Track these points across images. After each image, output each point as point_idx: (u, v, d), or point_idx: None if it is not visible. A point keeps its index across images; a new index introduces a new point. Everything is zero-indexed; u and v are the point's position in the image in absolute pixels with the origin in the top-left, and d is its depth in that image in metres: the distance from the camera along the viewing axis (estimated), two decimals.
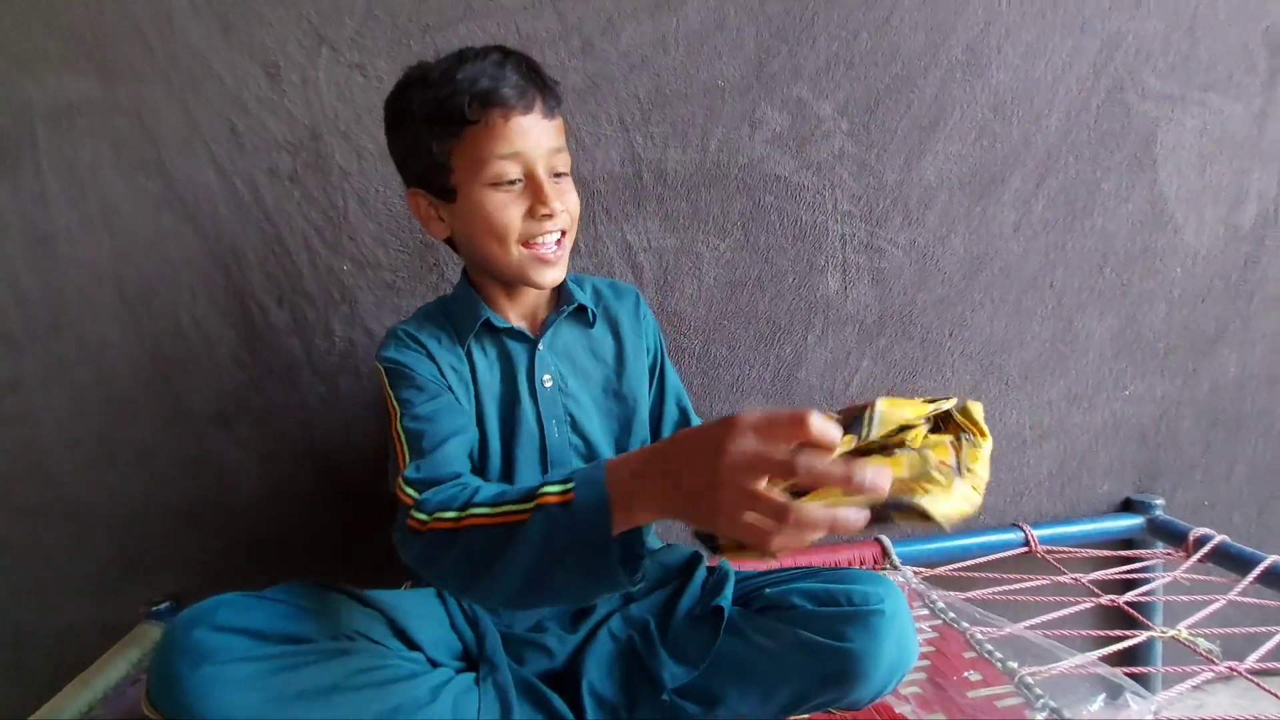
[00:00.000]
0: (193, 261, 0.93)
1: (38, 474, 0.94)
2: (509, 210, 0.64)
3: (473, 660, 0.65)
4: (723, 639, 0.66)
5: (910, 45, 0.99)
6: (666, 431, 0.80)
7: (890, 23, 0.99)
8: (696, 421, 0.83)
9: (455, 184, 0.64)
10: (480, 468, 0.69)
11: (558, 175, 0.66)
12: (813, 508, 0.39)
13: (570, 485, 0.46)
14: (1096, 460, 1.14)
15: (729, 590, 0.69)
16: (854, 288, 1.04)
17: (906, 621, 0.63)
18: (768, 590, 0.69)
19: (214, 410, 0.97)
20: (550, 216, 0.64)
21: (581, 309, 0.74)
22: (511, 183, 0.63)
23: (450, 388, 0.67)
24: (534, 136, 0.63)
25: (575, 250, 0.98)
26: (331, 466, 1.00)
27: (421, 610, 0.65)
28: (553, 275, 0.68)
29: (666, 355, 0.82)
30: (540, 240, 0.65)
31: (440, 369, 0.67)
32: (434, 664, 0.62)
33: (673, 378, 0.82)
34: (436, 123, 0.62)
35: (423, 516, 0.52)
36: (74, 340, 0.92)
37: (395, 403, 0.64)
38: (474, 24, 0.92)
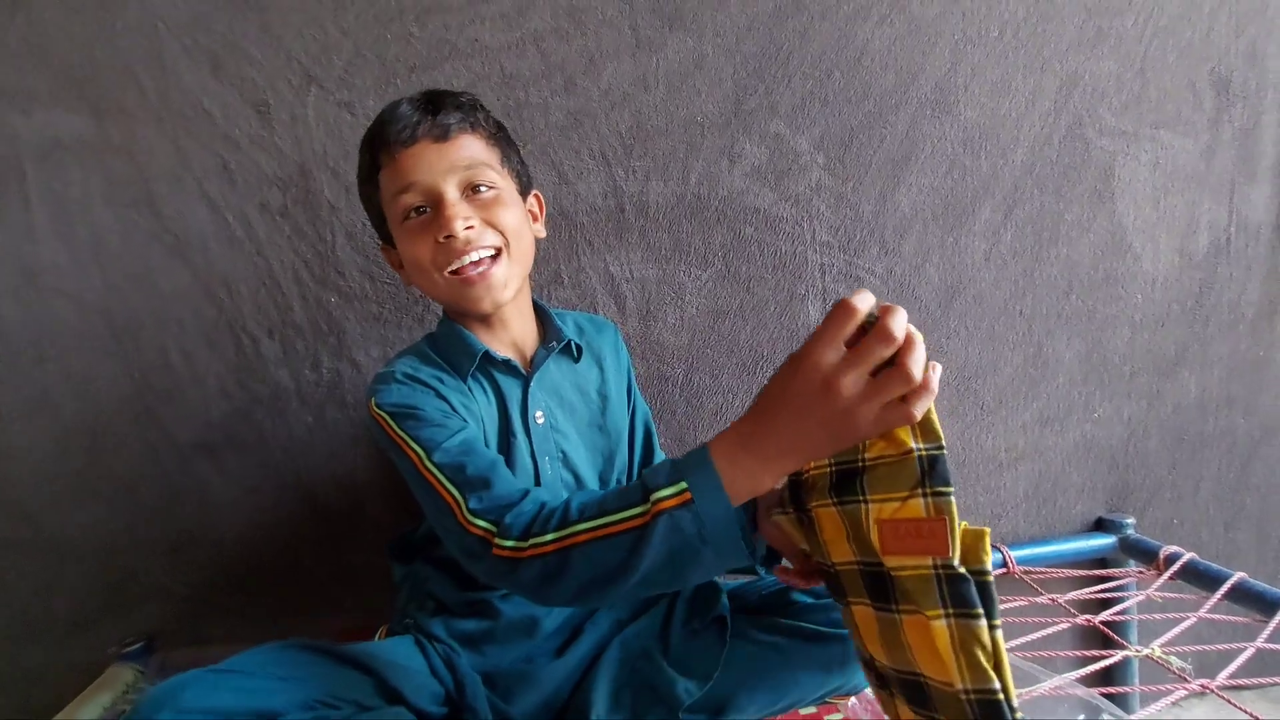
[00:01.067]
0: (183, 294, 0.92)
1: (14, 509, 0.91)
2: (418, 241, 0.63)
3: (454, 704, 0.63)
4: (729, 645, 0.65)
5: (881, 84, 1.02)
6: (636, 452, 0.80)
7: (862, 62, 1.01)
8: (656, 440, 0.83)
9: (390, 230, 0.66)
10: None
11: (478, 189, 0.64)
12: (910, 362, 0.41)
13: (683, 485, 0.45)
14: (1069, 481, 1.15)
15: (724, 599, 0.69)
16: None
17: None
18: (764, 592, 0.69)
19: (199, 441, 0.95)
20: (451, 237, 0.61)
21: (569, 345, 0.73)
22: (418, 210, 0.63)
23: (466, 420, 0.64)
24: (426, 162, 0.62)
25: (559, 281, 0.98)
26: (315, 498, 0.98)
27: (400, 659, 0.63)
28: (489, 297, 0.64)
29: (635, 381, 0.83)
30: (456, 264, 0.63)
31: (451, 404, 0.64)
32: (419, 713, 0.60)
33: (640, 402, 0.83)
34: (366, 178, 0.66)
35: (513, 543, 0.50)
36: (59, 372, 0.90)
37: (416, 445, 0.59)
38: (459, 64, 0.93)
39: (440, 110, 0.63)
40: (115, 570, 0.94)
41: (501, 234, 0.64)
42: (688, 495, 0.44)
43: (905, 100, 1.02)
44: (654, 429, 0.84)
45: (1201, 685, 0.74)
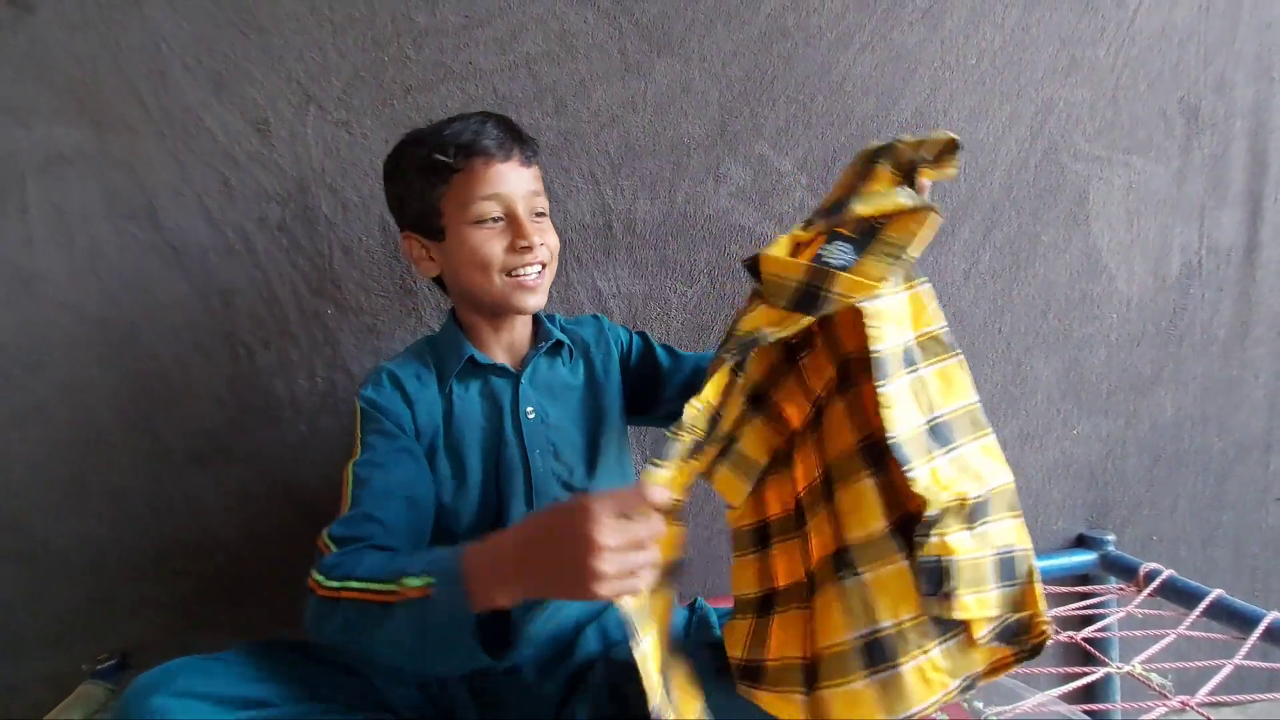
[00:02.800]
0: (180, 304, 0.91)
1: (4, 516, 0.88)
2: (491, 244, 0.67)
3: (440, 713, 0.61)
4: (717, 673, 0.62)
5: (863, 108, 1.01)
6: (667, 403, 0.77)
7: (844, 87, 1.01)
8: (669, 357, 0.79)
9: (444, 225, 0.68)
10: (458, 502, 0.68)
11: (537, 215, 0.70)
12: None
13: (430, 581, 0.47)
14: (1050, 498, 1.12)
15: (717, 625, 0.68)
16: None
17: None
18: None
19: (193, 449, 0.92)
20: (529, 249, 0.67)
21: (558, 344, 0.75)
22: (494, 220, 0.67)
23: (418, 433, 0.67)
24: (512, 181, 0.67)
25: (549, 296, 0.96)
26: (308, 506, 0.95)
27: (387, 666, 0.61)
28: (534, 301, 0.69)
29: (652, 340, 0.80)
30: (521, 271, 0.67)
31: (414, 413, 0.68)
32: None
33: (662, 352, 0.79)
34: (429, 172, 0.67)
35: (318, 577, 0.53)
36: (53, 380, 0.88)
37: (359, 443, 0.66)
38: (454, 85, 0.92)
39: (522, 140, 0.69)
40: (102, 581, 0.91)
41: (550, 252, 0.71)
42: (429, 592, 0.47)
43: (886, 124, 1.02)
44: (684, 356, 0.79)
45: (1181, 702, 0.71)
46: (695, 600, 0.72)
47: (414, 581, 0.48)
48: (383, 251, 0.94)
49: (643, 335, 0.81)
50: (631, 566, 0.43)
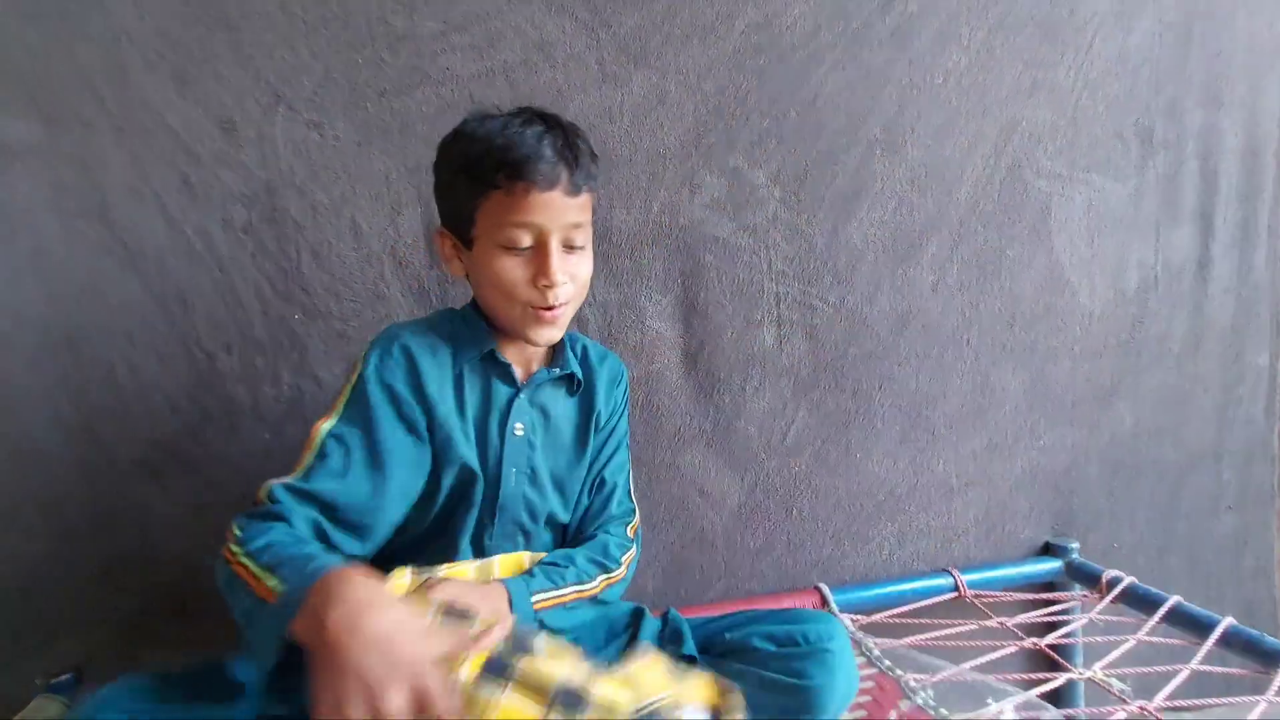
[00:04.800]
0: (132, 307, 0.87)
1: None
2: (515, 273, 0.63)
3: None
4: None
5: (834, 123, 1.03)
6: (587, 494, 0.75)
7: (816, 104, 1.03)
8: (622, 495, 0.78)
9: (475, 235, 0.65)
10: (430, 494, 0.65)
11: (571, 248, 0.65)
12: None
13: (280, 591, 0.48)
14: (1017, 507, 1.14)
15: (690, 639, 0.67)
16: (789, 342, 1.04)
17: (851, 655, 0.64)
18: (727, 635, 0.67)
19: (141, 459, 0.88)
20: (550, 288, 0.63)
21: (570, 377, 0.72)
22: (523, 249, 0.63)
23: (419, 409, 0.64)
24: (552, 211, 0.62)
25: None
26: None
27: None
28: (549, 335, 0.67)
29: (625, 421, 0.79)
30: (541, 305, 0.64)
31: (422, 390, 0.64)
32: None
33: (623, 451, 0.79)
34: (470, 177, 0.63)
35: (234, 532, 0.55)
36: None
37: (340, 406, 0.62)
38: (430, 90, 0.91)
39: (578, 164, 0.63)
40: (39, 597, 0.86)
41: (578, 287, 0.67)
42: (273, 599, 0.48)
43: (856, 140, 1.04)
44: (619, 482, 0.78)
45: (1140, 707, 0.73)
46: (667, 611, 0.72)
47: (272, 582, 0.49)
48: (355, 256, 0.92)
49: (625, 409, 0.80)
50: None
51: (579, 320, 0.98)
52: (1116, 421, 1.17)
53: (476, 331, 0.69)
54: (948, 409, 1.10)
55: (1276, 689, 0.76)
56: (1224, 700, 0.77)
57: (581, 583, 0.67)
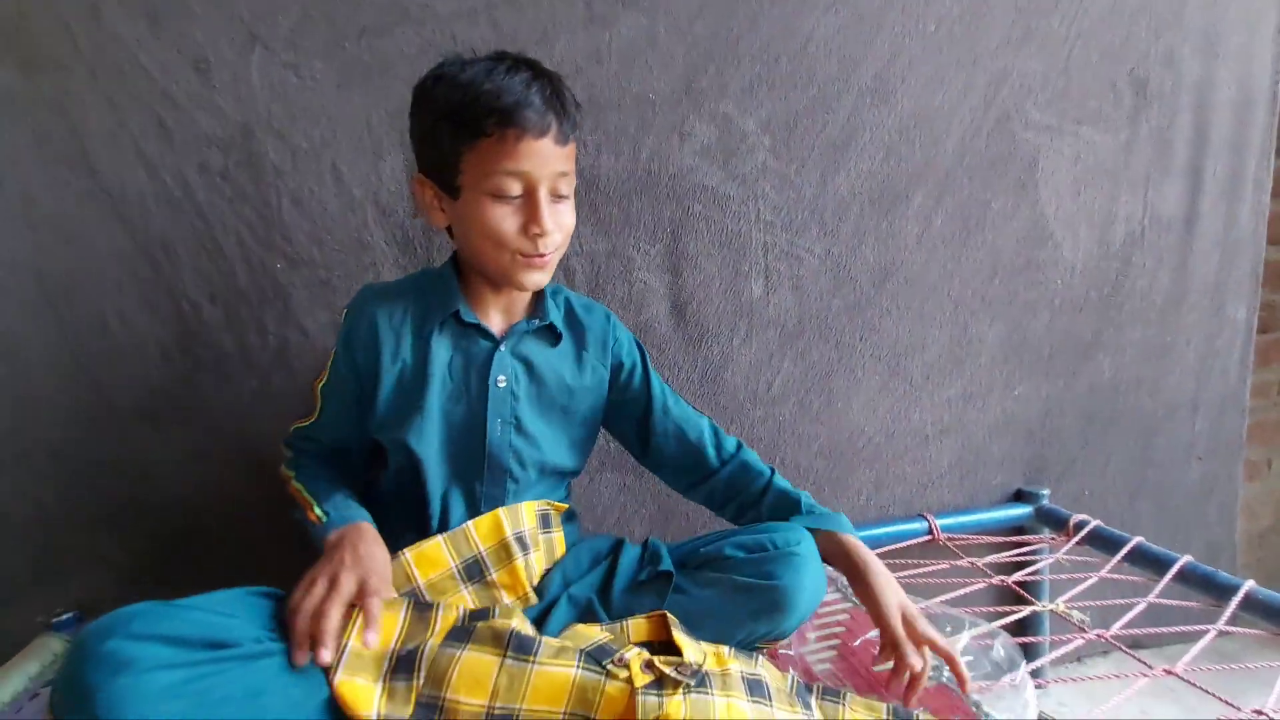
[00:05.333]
0: (120, 255, 0.87)
1: None
2: (506, 222, 0.64)
3: None
4: (669, 598, 0.67)
5: (825, 71, 1.02)
6: (655, 437, 0.79)
7: (807, 50, 1.01)
8: (693, 422, 0.80)
9: (461, 184, 0.65)
10: (422, 446, 0.69)
11: (558, 197, 0.66)
12: None
13: (322, 518, 0.66)
14: (991, 455, 1.18)
15: (667, 557, 0.71)
16: (775, 293, 1.05)
17: (818, 559, 0.68)
18: (702, 550, 0.71)
19: (139, 407, 0.90)
20: (542, 236, 0.65)
21: (550, 327, 0.74)
22: (513, 197, 0.64)
23: (379, 371, 0.70)
24: (542, 160, 0.63)
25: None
26: (263, 464, 0.93)
27: None
28: (538, 279, 0.68)
29: (650, 368, 0.81)
30: (531, 252, 0.66)
31: (380, 353, 0.70)
32: None
33: (657, 386, 0.80)
34: (456, 124, 0.62)
35: (286, 467, 0.74)
36: None
37: (329, 364, 0.73)
38: (410, 29, 0.89)
39: (566, 112, 0.65)
40: (46, 539, 0.89)
41: (563, 234, 0.68)
42: (318, 520, 0.66)
43: (847, 88, 1.03)
44: (671, 407, 0.80)
45: (1097, 634, 0.77)
46: (648, 539, 0.75)
47: (318, 511, 0.66)
48: (337, 202, 0.91)
49: (643, 356, 0.80)
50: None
51: (566, 271, 0.98)
52: (1095, 372, 1.20)
53: (447, 292, 0.71)
54: (926, 359, 1.12)
55: (1226, 619, 0.81)
56: (1177, 629, 0.81)
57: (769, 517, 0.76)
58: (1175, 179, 1.18)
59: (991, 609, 0.87)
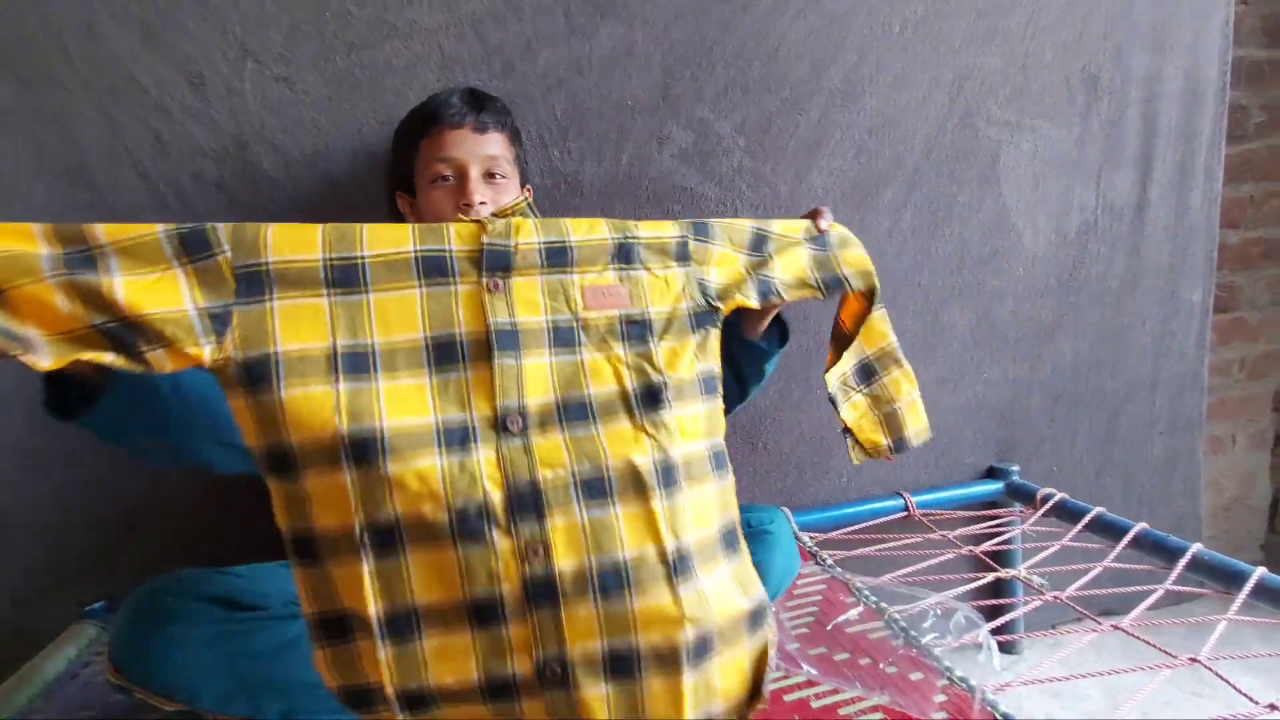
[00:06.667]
0: None
1: None
2: (443, 202, 0.77)
3: None
4: None
5: (796, 74, 1.08)
6: None
7: (779, 54, 1.07)
8: None
9: (416, 184, 0.79)
10: None
11: (491, 176, 0.78)
12: None
13: None
14: (963, 435, 1.25)
15: None
16: None
17: (791, 538, 0.76)
18: None
19: None
20: (469, 206, 0.74)
21: None
22: (445, 178, 0.76)
23: None
24: (465, 145, 0.77)
25: None
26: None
27: None
28: None
29: None
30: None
31: None
32: None
33: None
34: (406, 137, 0.80)
35: None
36: None
37: None
38: (399, 44, 0.93)
39: (483, 109, 0.79)
40: (62, 543, 0.92)
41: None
42: None
43: (818, 90, 1.09)
44: None
45: (1054, 597, 0.85)
46: None
47: None
48: (331, 214, 0.95)
49: None
50: None
51: None
52: (1058, 355, 1.27)
53: None
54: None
55: (1174, 578, 0.88)
56: (1130, 589, 0.89)
57: None
58: (1126, 169, 1.25)
59: (963, 576, 0.94)
